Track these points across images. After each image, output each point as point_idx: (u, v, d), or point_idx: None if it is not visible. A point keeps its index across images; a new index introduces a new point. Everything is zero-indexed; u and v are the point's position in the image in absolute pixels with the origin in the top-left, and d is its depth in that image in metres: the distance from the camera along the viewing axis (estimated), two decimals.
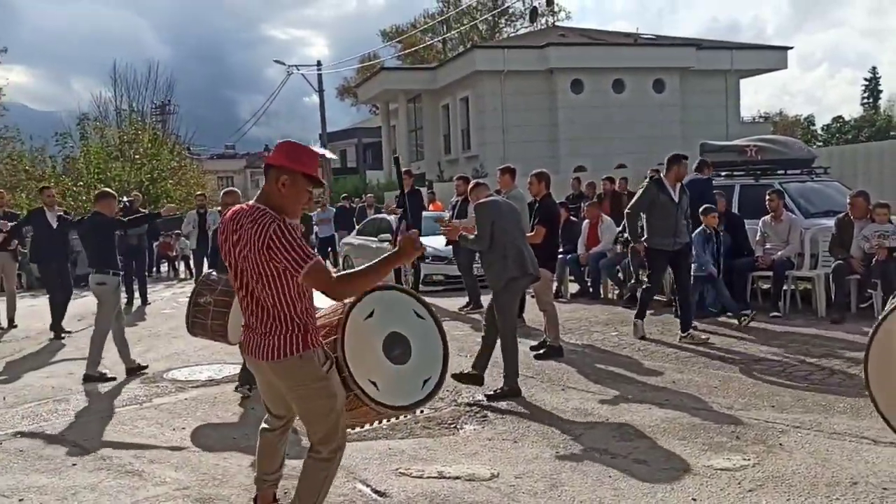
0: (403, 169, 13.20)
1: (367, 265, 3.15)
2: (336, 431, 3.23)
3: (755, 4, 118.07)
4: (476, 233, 6.31)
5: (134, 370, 7.54)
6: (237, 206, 3.21)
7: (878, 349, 3.39)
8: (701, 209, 8.83)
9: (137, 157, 25.75)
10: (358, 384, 3.29)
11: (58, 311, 10.08)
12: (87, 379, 7.25)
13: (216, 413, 6.05)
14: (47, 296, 10.38)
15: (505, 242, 6.18)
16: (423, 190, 23.53)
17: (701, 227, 8.88)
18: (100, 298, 7.46)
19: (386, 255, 3.21)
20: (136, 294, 13.07)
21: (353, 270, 3.16)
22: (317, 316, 3.28)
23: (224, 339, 6.04)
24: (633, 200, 8.10)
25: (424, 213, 15.40)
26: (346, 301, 3.37)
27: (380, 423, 3.80)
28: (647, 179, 8.11)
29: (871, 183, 11.44)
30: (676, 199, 7.78)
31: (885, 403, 3.43)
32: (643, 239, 7.89)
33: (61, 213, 10.77)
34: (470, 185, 6.93)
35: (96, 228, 7.67)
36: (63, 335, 9.98)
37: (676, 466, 4.34)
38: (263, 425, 3.60)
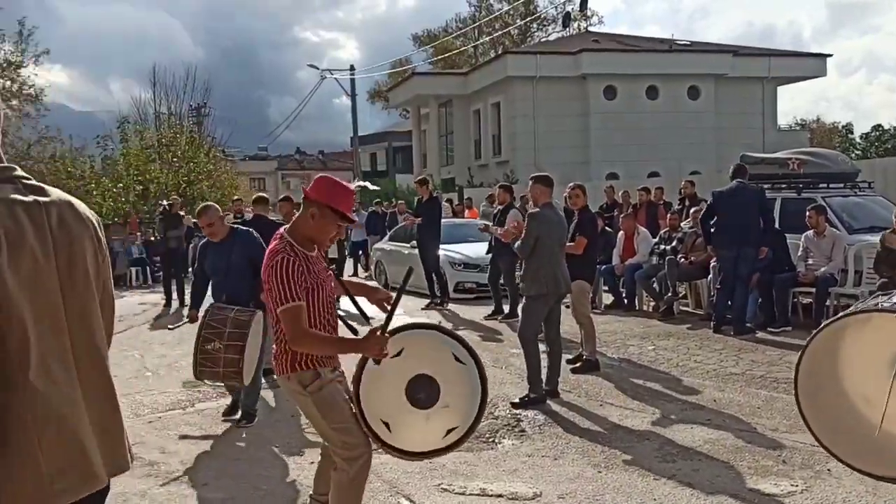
0: (418, 178, 13.31)
1: (334, 337, 3.32)
2: (338, 446, 3.33)
3: (790, 9, 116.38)
4: (522, 238, 6.53)
5: None
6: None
7: (809, 368, 3.24)
8: None
9: (175, 159, 26.05)
10: (367, 423, 3.27)
11: None
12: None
13: (261, 419, 6.07)
14: None
15: (542, 258, 6.30)
16: (453, 196, 23.59)
17: None
18: None
19: (351, 338, 3.28)
20: (175, 296, 13.22)
21: (319, 333, 3.29)
22: None
23: (238, 380, 5.54)
24: None
25: (460, 221, 15.48)
26: None
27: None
28: None
29: None
30: None
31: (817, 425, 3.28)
32: None
33: None
34: (531, 180, 6.85)
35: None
36: None
37: (722, 490, 4.30)
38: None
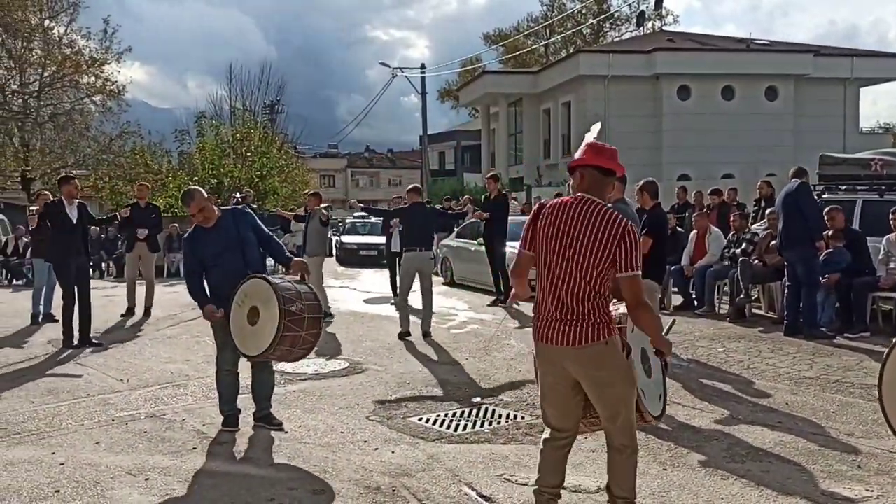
0: (490, 174, 13.17)
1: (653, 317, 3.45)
2: (629, 422, 3.48)
3: (876, 8, 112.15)
4: None
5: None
6: (567, 199, 3.48)
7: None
8: None
9: (249, 154, 26.65)
10: (639, 394, 3.50)
11: (72, 318, 8.78)
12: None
13: (323, 406, 6.20)
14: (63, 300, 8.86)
15: None
16: (519, 195, 23.48)
17: None
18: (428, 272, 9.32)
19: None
20: None
21: (651, 313, 3.45)
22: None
23: (309, 349, 5.34)
24: None
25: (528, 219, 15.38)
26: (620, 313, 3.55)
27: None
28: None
29: None
30: None
31: None
32: None
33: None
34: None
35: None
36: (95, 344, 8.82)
37: (793, 492, 4.18)
38: (546, 436, 3.75)
